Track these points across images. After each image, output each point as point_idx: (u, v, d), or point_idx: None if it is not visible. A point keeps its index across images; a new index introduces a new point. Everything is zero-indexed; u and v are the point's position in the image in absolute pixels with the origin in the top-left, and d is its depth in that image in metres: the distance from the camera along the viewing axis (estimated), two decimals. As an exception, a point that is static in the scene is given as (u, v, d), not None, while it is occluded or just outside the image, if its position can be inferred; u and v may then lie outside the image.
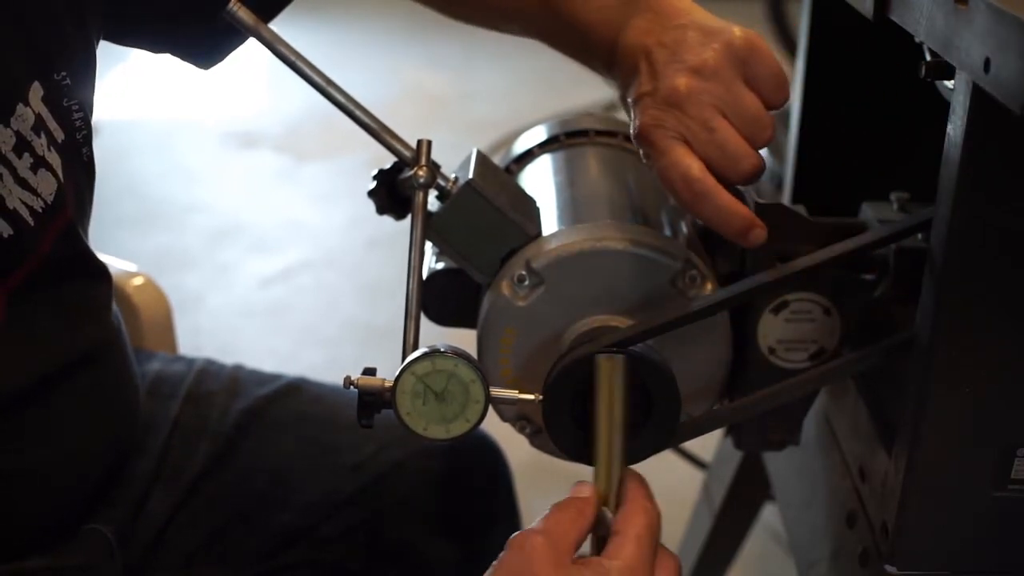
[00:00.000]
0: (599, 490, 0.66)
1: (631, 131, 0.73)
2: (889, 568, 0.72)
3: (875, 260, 0.78)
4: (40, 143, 0.72)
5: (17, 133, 0.70)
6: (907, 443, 0.69)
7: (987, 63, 0.54)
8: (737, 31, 0.70)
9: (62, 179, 0.74)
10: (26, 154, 0.70)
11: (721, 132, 0.69)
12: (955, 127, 0.61)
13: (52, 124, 0.73)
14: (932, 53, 0.67)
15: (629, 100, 0.73)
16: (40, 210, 0.72)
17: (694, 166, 0.69)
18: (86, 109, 0.77)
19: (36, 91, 0.72)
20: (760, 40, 0.71)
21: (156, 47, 0.85)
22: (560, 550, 0.61)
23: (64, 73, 0.74)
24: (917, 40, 0.66)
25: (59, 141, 0.74)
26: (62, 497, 0.81)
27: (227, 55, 0.86)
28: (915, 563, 0.72)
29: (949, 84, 0.67)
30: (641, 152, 0.72)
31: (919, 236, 0.76)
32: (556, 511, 0.63)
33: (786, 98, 0.71)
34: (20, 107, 0.70)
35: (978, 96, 0.58)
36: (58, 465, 0.79)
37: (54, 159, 0.73)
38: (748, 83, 0.70)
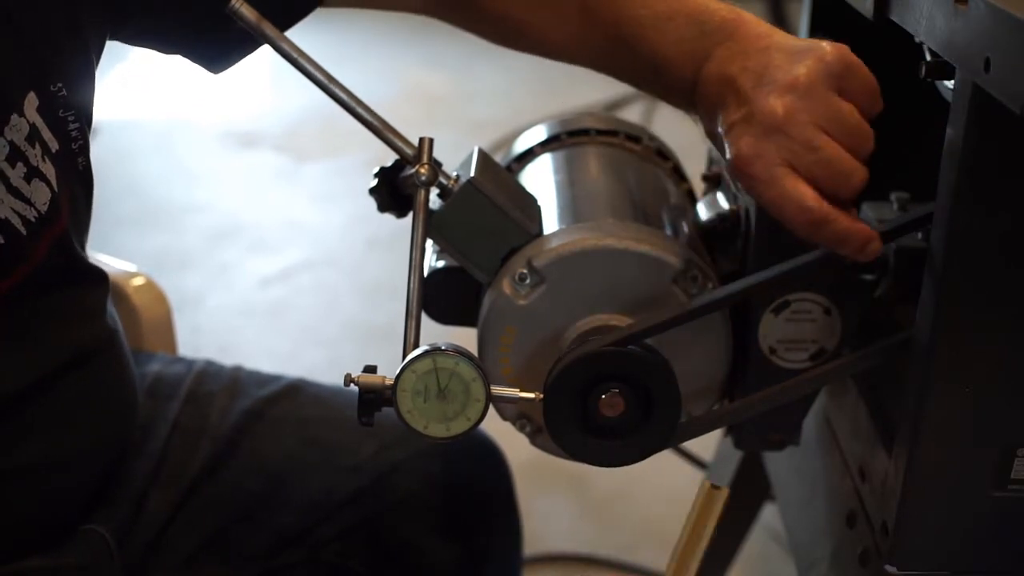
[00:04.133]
0: None
1: (725, 163, 0.69)
2: (889, 568, 0.72)
3: (875, 260, 0.78)
4: (34, 153, 0.72)
5: (11, 143, 0.70)
6: (907, 443, 0.69)
7: (987, 63, 0.54)
8: (825, 45, 0.68)
9: (56, 189, 0.74)
10: (19, 164, 0.70)
11: (826, 150, 0.66)
12: (955, 127, 0.62)
13: (47, 134, 0.73)
14: (932, 53, 0.67)
15: (720, 130, 0.70)
16: (33, 219, 0.72)
17: (808, 194, 0.66)
18: (83, 119, 0.77)
19: (31, 101, 0.72)
20: (849, 52, 0.68)
21: (167, 48, 0.85)
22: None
23: (60, 84, 0.74)
24: (917, 40, 0.66)
25: (53, 151, 0.74)
26: (61, 497, 0.81)
27: (237, 60, 0.85)
28: (915, 563, 0.72)
29: (949, 84, 0.67)
30: (743, 185, 0.69)
31: (919, 236, 0.76)
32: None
33: (881, 107, 0.69)
34: (14, 117, 0.70)
35: (978, 96, 0.58)
36: (56, 466, 0.79)
37: (48, 169, 0.73)
38: (843, 95, 0.68)
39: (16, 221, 0.70)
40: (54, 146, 0.74)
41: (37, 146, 0.72)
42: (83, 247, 0.80)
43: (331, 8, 0.86)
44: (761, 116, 0.67)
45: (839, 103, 0.67)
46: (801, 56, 0.68)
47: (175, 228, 2.88)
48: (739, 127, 0.68)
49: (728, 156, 0.69)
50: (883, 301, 0.79)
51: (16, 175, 0.70)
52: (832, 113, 0.67)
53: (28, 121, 0.71)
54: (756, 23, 0.72)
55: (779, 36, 0.71)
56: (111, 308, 0.86)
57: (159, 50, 0.85)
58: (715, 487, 0.63)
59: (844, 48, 0.68)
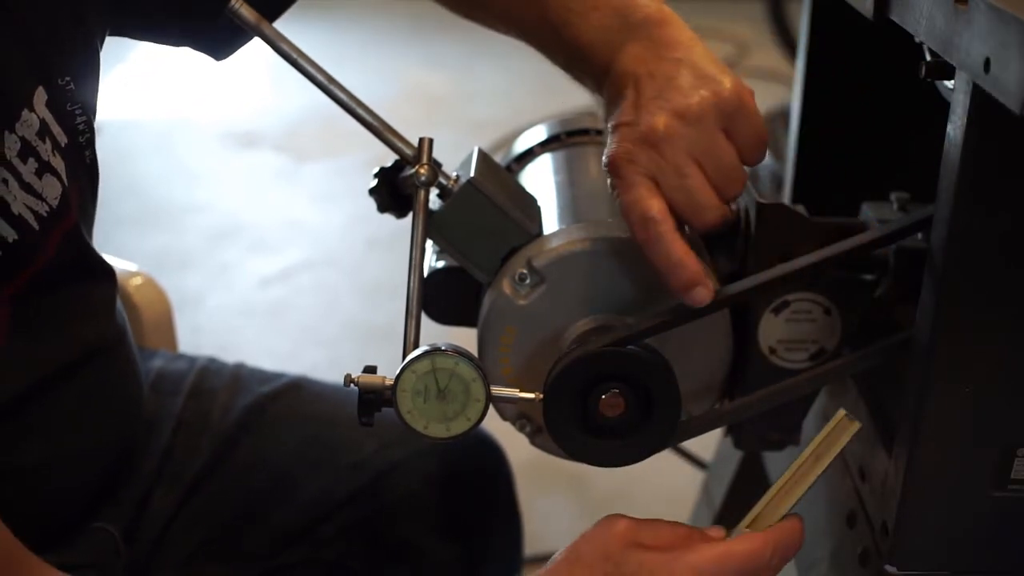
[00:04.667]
0: (756, 517, 0.66)
1: (603, 157, 0.71)
2: (889, 568, 0.72)
3: (875, 260, 0.78)
4: (45, 148, 0.72)
5: (22, 139, 0.70)
6: (907, 443, 0.69)
7: (987, 63, 0.54)
8: (728, 82, 0.69)
9: (66, 183, 0.74)
10: (31, 159, 0.71)
11: (692, 179, 0.68)
12: (955, 127, 0.62)
13: (56, 129, 0.73)
14: (932, 53, 0.67)
15: (609, 125, 0.72)
16: (45, 214, 0.72)
17: (655, 207, 0.68)
18: (89, 112, 0.77)
19: (40, 96, 0.72)
20: (749, 97, 0.70)
21: (168, 39, 0.85)
22: (638, 535, 0.64)
23: (68, 78, 0.74)
24: (917, 40, 0.66)
25: (63, 145, 0.74)
26: (67, 495, 0.81)
27: (241, 46, 0.85)
28: (915, 563, 0.72)
29: (949, 84, 0.67)
30: (608, 181, 0.71)
31: (919, 236, 0.76)
32: (665, 522, 0.66)
33: (761, 158, 0.71)
34: (25, 113, 0.70)
35: (978, 96, 0.58)
36: (63, 463, 0.79)
37: (58, 163, 0.73)
38: (728, 136, 0.69)
39: (29, 216, 0.71)
40: (63, 140, 0.74)
41: (47, 141, 0.72)
42: (91, 240, 0.81)
43: (333, 3, 0.87)
44: (645, 128, 0.68)
45: (721, 141, 0.69)
46: (702, 84, 0.69)
47: (175, 228, 2.88)
48: (624, 129, 0.70)
49: (606, 152, 0.70)
50: (883, 301, 0.78)
51: (28, 170, 0.70)
52: (710, 148, 0.69)
53: (38, 116, 0.71)
54: (679, 28, 0.73)
55: (696, 51, 0.71)
56: (119, 305, 0.86)
57: (160, 41, 0.85)
58: (850, 418, 0.65)
59: (742, 88, 0.70)
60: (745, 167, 0.71)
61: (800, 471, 0.66)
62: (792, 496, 0.66)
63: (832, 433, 0.66)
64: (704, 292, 0.69)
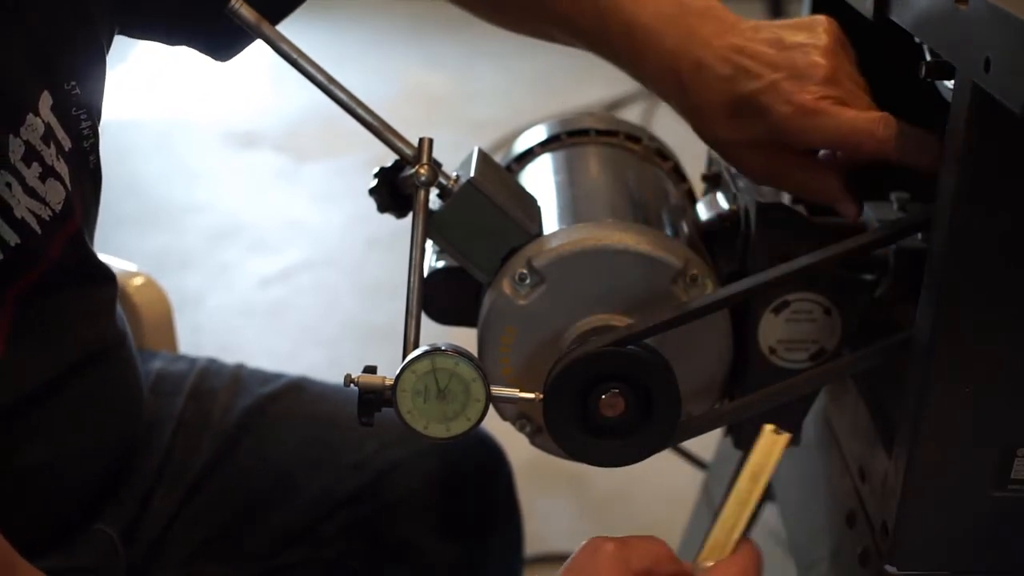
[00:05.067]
0: (711, 547, 0.65)
1: (780, 115, 0.71)
2: (889, 568, 0.72)
3: (875, 260, 0.78)
4: (49, 152, 0.72)
5: (27, 143, 0.70)
6: (907, 443, 0.69)
7: (987, 63, 0.54)
8: (824, 19, 0.74)
9: (70, 188, 0.74)
10: (35, 163, 0.71)
11: (865, 100, 0.72)
12: (955, 127, 0.62)
13: (60, 133, 0.73)
14: (932, 53, 0.67)
15: (745, 94, 0.72)
16: (48, 219, 0.72)
17: (875, 111, 0.71)
18: (94, 116, 0.77)
19: (45, 100, 0.72)
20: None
21: (172, 39, 0.85)
22: (628, 560, 0.62)
23: (73, 82, 0.74)
24: (917, 40, 0.66)
25: (67, 150, 0.74)
26: (68, 497, 0.81)
27: (243, 48, 0.85)
28: (915, 563, 0.72)
29: (949, 84, 0.67)
30: (801, 128, 0.71)
31: (919, 236, 0.76)
32: (643, 538, 0.65)
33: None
34: (30, 117, 0.70)
35: (978, 96, 0.58)
36: (64, 465, 0.79)
37: (62, 168, 0.73)
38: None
39: (32, 221, 0.71)
40: (67, 145, 0.74)
41: (51, 145, 0.72)
42: (93, 245, 0.81)
43: (333, 2, 0.86)
44: (809, 71, 0.71)
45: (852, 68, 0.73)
46: (811, 26, 0.73)
47: (175, 228, 2.88)
48: (785, 83, 0.71)
49: (783, 109, 0.71)
50: (883, 301, 0.78)
51: (32, 175, 0.70)
52: (854, 72, 0.73)
53: (43, 121, 0.71)
54: (730, 11, 0.76)
55: (753, 21, 0.75)
56: (119, 309, 0.86)
57: (164, 41, 0.85)
58: (776, 431, 0.64)
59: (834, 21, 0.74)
60: None
61: (740, 495, 0.65)
62: (741, 522, 0.65)
63: (762, 450, 0.65)
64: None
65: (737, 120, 0.73)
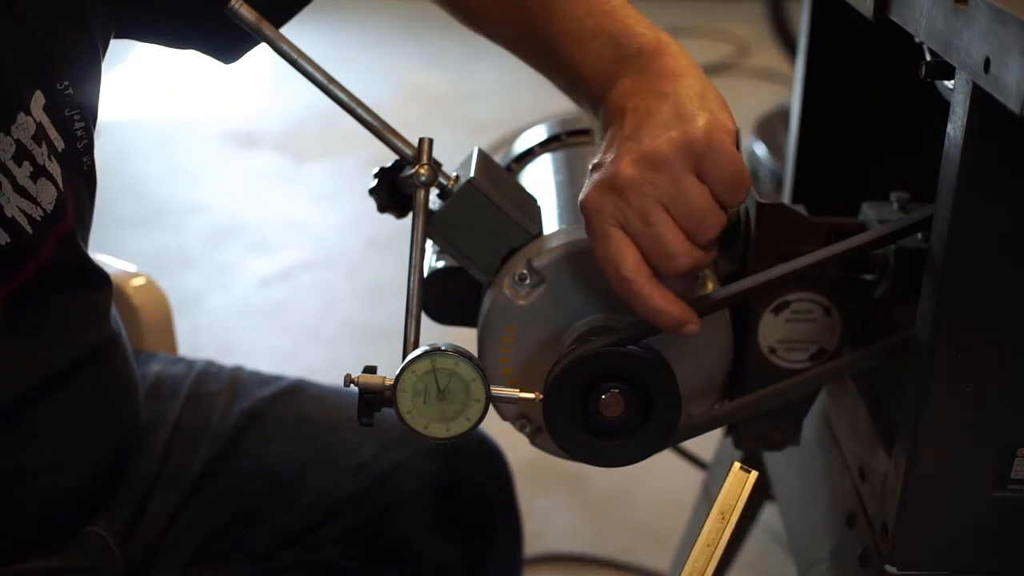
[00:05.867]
0: None
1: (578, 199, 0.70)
2: (889, 568, 0.72)
3: (875, 260, 0.78)
4: (41, 152, 0.72)
5: (17, 142, 0.70)
6: (907, 443, 0.69)
7: (987, 63, 0.54)
8: (701, 121, 0.66)
9: (62, 188, 0.74)
10: (26, 163, 0.70)
11: (658, 227, 0.66)
12: (955, 127, 0.62)
13: (53, 133, 0.73)
14: (932, 53, 0.67)
15: (591, 163, 0.70)
16: (39, 218, 0.72)
17: (628, 261, 0.66)
18: (88, 118, 0.77)
19: (38, 100, 0.72)
20: (724, 135, 0.66)
21: (176, 43, 0.85)
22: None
23: (67, 83, 0.74)
24: (917, 40, 0.66)
25: (59, 150, 0.74)
26: (63, 499, 0.81)
27: (249, 50, 0.85)
28: (915, 563, 0.72)
29: (949, 84, 0.67)
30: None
31: (919, 236, 0.76)
32: None
33: (741, 199, 0.67)
34: (21, 116, 0.70)
35: (978, 96, 0.58)
36: (59, 467, 0.79)
37: (54, 168, 0.73)
38: (701, 178, 0.66)
39: (23, 220, 0.70)
40: (60, 145, 0.74)
41: (44, 145, 0.72)
42: (86, 247, 0.80)
43: (334, 3, 0.86)
44: (611, 173, 0.67)
45: (689, 185, 0.66)
46: (675, 124, 0.66)
47: (175, 228, 2.88)
48: (595, 172, 0.68)
49: (579, 196, 0.69)
50: (883, 301, 0.79)
51: (23, 174, 0.70)
52: (677, 193, 0.66)
53: (35, 120, 0.71)
54: (674, 58, 0.70)
55: (686, 83, 0.69)
56: (114, 311, 0.86)
57: (168, 45, 0.85)
58: (744, 469, 0.63)
59: (717, 129, 0.66)
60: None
61: (709, 536, 0.64)
62: (713, 562, 0.64)
63: (731, 488, 0.64)
64: (692, 327, 0.68)
65: None
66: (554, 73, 0.78)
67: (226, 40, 0.84)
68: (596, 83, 0.73)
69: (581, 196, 0.69)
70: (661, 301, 0.67)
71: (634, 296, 0.67)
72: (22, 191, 0.70)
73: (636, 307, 0.68)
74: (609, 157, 0.68)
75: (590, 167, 0.70)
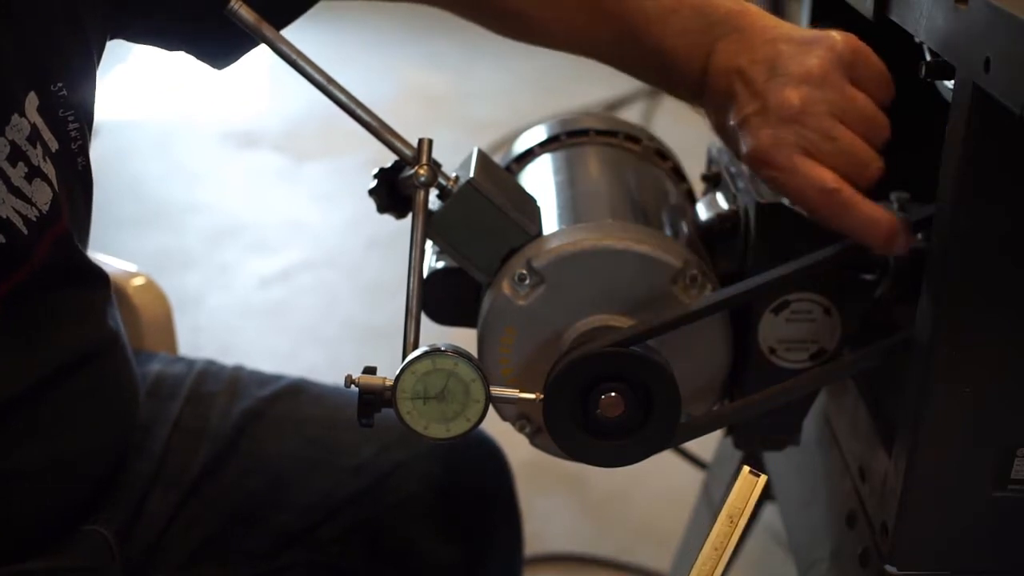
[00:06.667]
0: None
1: (743, 155, 0.69)
2: (889, 568, 0.72)
3: (875, 260, 0.78)
4: (35, 153, 0.72)
5: (12, 143, 0.70)
6: (907, 443, 0.69)
7: (987, 63, 0.54)
8: (836, 35, 0.69)
9: (57, 189, 0.74)
10: (20, 163, 0.70)
11: (844, 139, 0.67)
12: (955, 127, 0.62)
13: (47, 134, 0.73)
14: (932, 53, 0.67)
15: (731, 124, 0.70)
16: (34, 219, 0.72)
17: (828, 177, 0.66)
18: (83, 119, 0.77)
19: (32, 101, 0.72)
20: (860, 42, 0.69)
21: (169, 45, 0.85)
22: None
23: (60, 84, 0.74)
24: (917, 40, 0.66)
25: (54, 151, 0.74)
26: (61, 499, 0.81)
27: (241, 56, 0.85)
28: (915, 563, 0.72)
29: (949, 84, 0.67)
30: (761, 176, 0.70)
31: (919, 236, 0.76)
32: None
33: (893, 95, 0.70)
34: (15, 117, 0.70)
35: (978, 96, 0.58)
36: (57, 467, 0.79)
37: (49, 169, 0.73)
38: (856, 84, 0.68)
39: (18, 221, 0.70)
40: (54, 146, 0.74)
41: (38, 146, 0.72)
42: (84, 248, 0.80)
43: (335, 3, 0.86)
44: (777, 108, 0.67)
45: (853, 92, 0.68)
46: (811, 46, 0.68)
47: (175, 228, 2.88)
48: (755, 119, 0.68)
49: (745, 149, 0.69)
50: (883, 301, 0.78)
51: (17, 175, 0.70)
52: (847, 102, 0.67)
53: (29, 121, 0.71)
54: (761, 15, 0.72)
55: (786, 27, 0.71)
56: (114, 310, 0.86)
57: (162, 47, 0.85)
58: (754, 473, 0.63)
59: (853, 37, 0.69)
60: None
61: (718, 540, 0.64)
62: (720, 566, 0.65)
63: (740, 493, 0.64)
64: (904, 239, 0.68)
65: (730, 139, 0.73)
66: (639, 61, 0.78)
67: (218, 45, 0.84)
68: (689, 56, 0.73)
69: (750, 144, 0.68)
70: (873, 209, 0.67)
71: (845, 208, 0.67)
72: (17, 192, 0.70)
73: (847, 221, 0.67)
74: (760, 103, 0.68)
75: (733, 124, 0.70)
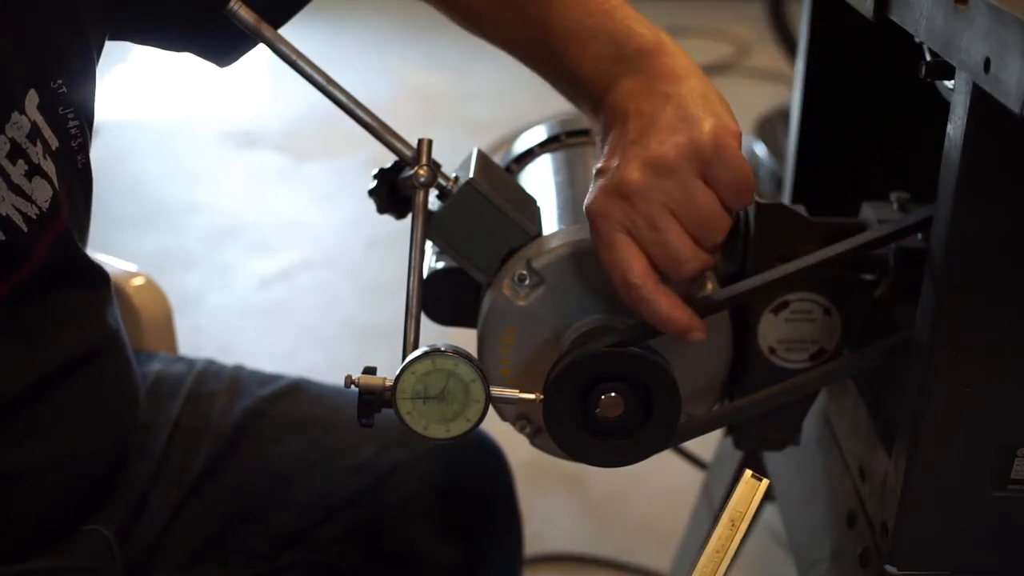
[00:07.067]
0: None
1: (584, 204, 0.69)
2: (889, 568, 0.72)
3: (875, 260, 0.78)
4: (35, 151, 0.72)
5: (12, 140, 0.70)
6: (907, 443, 0.69)
7: (987, 63, 0.54)
8: (708, 125, 0.66)
9: (57, 187, 0.74)
10: (20, 161, 0.70)
11: (666, 233, 0.66)
12: (955, 127, 0.62)
13: (47, 132, 0.73)
14: (932, 53, 0.67)
15: (593, 168, 0.70)
16: (34, 217, 0.72)
17: (635, 267, 0.66)
18: (83, 117, 0.77)
19: (32, 99, 0.72)
20: (730, 139, 0.66)
21: (171, 45, 0.85)
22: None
23: (60, 81, 0.74)
24: (917, 40, 0.66)
25: (54, 149, 0.74)
26: (61, 498, 0.81)
27: (244, 52, 0.85)
28: (915, 563, 0.72)
29: (949, 84, 0.67)
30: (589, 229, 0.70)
31: (919, 236, 0.76)
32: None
33: (747, 203, 0.68)
34: (15, 115, 0.70)
35: (978, 96, 0.58)
36: (57, 466, 0.79)
37: (49, 167, 0.73)
38: (708, 182, 0.66)
39: (17, 218, 0.70)
40: (54, 144, 0.74)
41: (38, 144, 0.72)
42: (83, 246, 0.80)
43: (334, 3, 0.86)
44: (617, 181, 0.67)
45: (697, 189, 0.66)
46: (681, 128, 0.66)
47: (175, 228, 2.88)
48: (600, 178, 0.68)
49: (585, 202, 0.69)
50: (883, 301, 0.78)
51: (17, 172, 0.70)
52: (685, 198, 0.66)
53: (29, 119, 0.71)
54: (674, 58, 0.70)
55: (688, 84, 0.68)
56: (114, 309, 0.85)
57: (162, 47, 0.85)
58: (756, 477, 0.63)
59: (724, 133, 0.66)
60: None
61: (719, 542, 0.64)
62: (721, 569, 0.64)
63: (742, 496, 0.64)
64: (698, 334, 0.69)
65: None
66: (554, 75, 0.78)
67: (221, 43, 0.84)
68: (596, 84, 0.72)
69: (586, 202, 0.69)
70: (668, 307, 0.67)
71: (641, 302, 0.67)
72: (17, 189, 0.70)
73: (643, 313, 0.68)
74: (614, 163, 0.68)
75: (594, 171, 0.70)
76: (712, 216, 0.67)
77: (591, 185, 0.69)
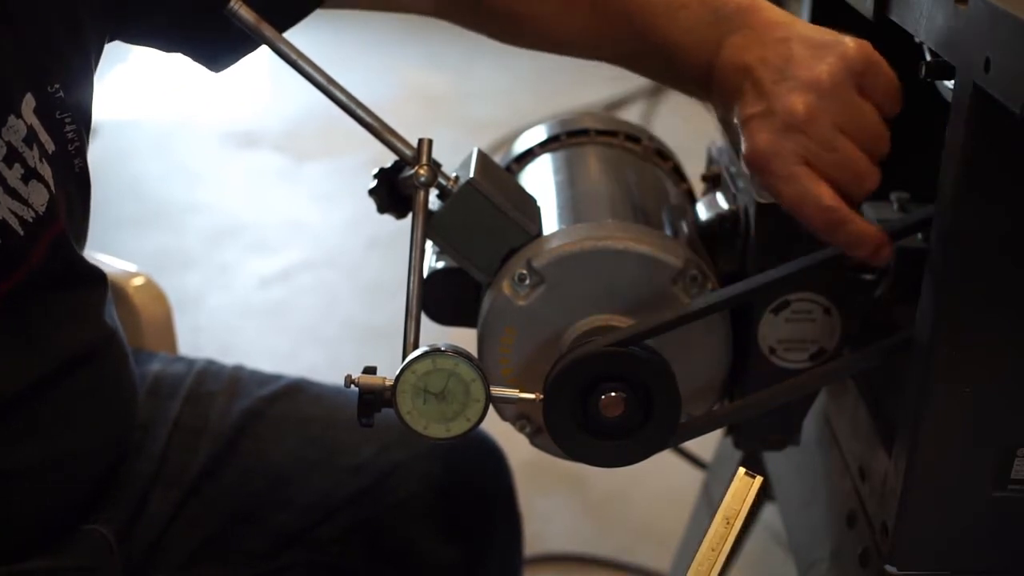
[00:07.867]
0: None
1: (742, 153, 0.68)
2: (889, 568, 0.72)
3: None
4: (32, 154, 0.71)
5: (8, 144, 0.70)
6: (907, 443, 0.69)
7: (987, 63, 0.54)
8: (850, 42, 0.67)
9: (54, 190, 0.73)
10: (17, 165, 0.70)
11: (844, 151, 0.66)
12: (955, 127, 0.62)
13: (44, 136, 0.73)
14: (932, 53, 0.67)
15: (735, 121, 0.69)
16: (31, 220, 0.72)
17: (825, 194, 0.66)
18: (80, 121, 0.76)
19: (28, 103, 0.71)
20: (874, 51, 0.68)
21: (168, 47, 0.85)
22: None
23: (58, 85, 0.74)
24: (917, 40, 0.66)
25: (50, 152, 0.73)
26: (61, 498, 0.81)
27: (238, 59, 0.85)
28: (915, 563, 0.72)
29: (949, 84, 0.67)
30: (757, 178, 0.69)
31: (919, 236, 0.76)
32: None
33: (899, 109, 0.69)
34: (11, 119, 0.70)
35: (978, 96, 0.58)
36: (57, 466, 0.79)
37: (45, 170, 0.73)
38: (863, 94, 0.67)
39: (14, 222, 0.70)
40: (51, 147, 0.74)
41: (35, 147, 0.72)
42: (81, 249, 0.80)
43: (332, 9, 0.86)
44: (782, 113, 0.66)
45: (860, 103, 0.67)
46: (823, 51, 0.67)
47: (175, 228, 2.88)
48: (757, 121, 0.67)
49: (744, 150, 0.68)
50: (883, 301, 0.78)
51: (13, 176, 0.70)
52: (852, 114, 0.67)
53: (26, 123, 0.71)
54: (773, 9, 0.71)
55: (799, 26, 0.70)
56: (111, 308, 0.85)
57: (160, 49, 0.85)
58: (749, 474, 0.63)
59: (867, 45, 0.68)
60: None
61: (714, 540, 0.64)
62: (717, 567, 0.64)
63: (736, 493, 0.64)
64: (889, 250, 0.69)
65: (733, 135, 0.73)
66: (646, 57, 0.77)
67: (216, 48, 0.84)
68: (698, 51, 0.72)
69: (748, 148, 0.68)
70: (864, 226, 0.67)
71: (840, 225, 0.66)
72: (13, 193, 0.70)
73: (840, 236, 0.67)
74: (764, 104, 0.67)
75: (737, 122, 0.69)
76: (878, 127, 0.68)
77: (742, 135, 0.68)
